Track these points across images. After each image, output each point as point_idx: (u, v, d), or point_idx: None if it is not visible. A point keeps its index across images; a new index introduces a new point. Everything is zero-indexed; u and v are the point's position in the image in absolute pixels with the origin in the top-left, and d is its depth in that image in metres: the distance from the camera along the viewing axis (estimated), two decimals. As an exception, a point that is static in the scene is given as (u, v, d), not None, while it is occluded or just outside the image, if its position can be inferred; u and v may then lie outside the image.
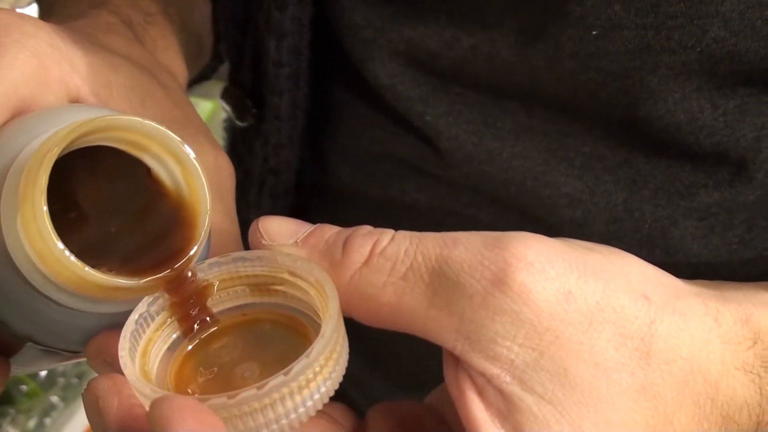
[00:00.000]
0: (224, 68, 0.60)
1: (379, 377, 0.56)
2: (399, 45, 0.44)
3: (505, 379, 0.28)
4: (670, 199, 0.40)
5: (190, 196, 0.31)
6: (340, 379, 0.28)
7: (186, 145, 0.31)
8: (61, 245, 0.27)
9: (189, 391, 0.29)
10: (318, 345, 0.27)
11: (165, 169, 0.31)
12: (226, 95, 0.55)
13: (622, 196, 0.41)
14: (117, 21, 0.43)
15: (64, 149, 0.28)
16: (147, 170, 0.31)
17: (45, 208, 0.27)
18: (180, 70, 0.47)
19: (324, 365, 0.27)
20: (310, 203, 0.55)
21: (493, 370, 0.28)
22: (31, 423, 1.08)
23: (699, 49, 0.35)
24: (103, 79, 0.35)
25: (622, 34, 0.36)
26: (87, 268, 0.28)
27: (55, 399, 1.11)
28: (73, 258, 0.27)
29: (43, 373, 1.12)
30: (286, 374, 0.26)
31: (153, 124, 0.30)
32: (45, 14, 0.49)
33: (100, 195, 0.32)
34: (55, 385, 1.11)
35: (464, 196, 0.45)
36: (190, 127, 0.38)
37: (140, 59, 0.40)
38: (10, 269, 0.29)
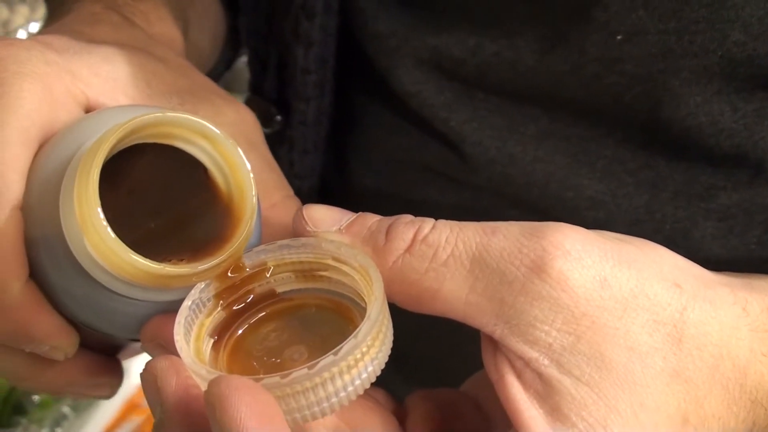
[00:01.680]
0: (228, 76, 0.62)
1: (403, 379, 0.57)
2: (423, 53, 0.45)
3: (544, 362, 0.29)
4: (690, 201, 0.41)
5: (236, 185, 0.32)
6: (386, 359, 0.29)
7: (222, 132, 0.32)
8: (114, 236, 0.28)
9: (241, 373, 0.30)
10: (365, 326, 0.28)
11: (212, 161, 0.32)
12: (249, 104, 0.56)
13: (644, 198, 0.42)
14: (101, 9, 0.44)
15: (115, 146, 0.29)
16: (198, 164, 0.33)
17: (98, 201, 0.28)
18: (176, 36, 0.48)
19: (371, 345, 0.28)
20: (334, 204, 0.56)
21: (532, 353, 0.29)
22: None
23: (720, 53, 0.37)
24: (104, 76, 0.36)
25: (645, 39, 0.38)
26: (140, 258, 0.29)
27: (66, 409, 1.11)
28: (126, 249, 0.29)
29: (55, 383, 1.12)
30: (335, 354, 0.27)
31: (179, 114, 0.31)
32: (49, 15, 0.49)
33: (156, 188, 0.33)
34: (66, 396, 1.12)
35: (487, 200, 0.46)
36: (199, 91, 0.39)
37: (131, 41, 0.41)
38: (72, 264, 0.31)
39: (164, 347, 0.32)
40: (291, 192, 0.40)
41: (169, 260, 0.31)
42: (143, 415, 1.18)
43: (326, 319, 0.33)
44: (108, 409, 1.15)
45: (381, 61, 0.48)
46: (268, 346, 0.31)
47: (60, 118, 0.34)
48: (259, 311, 0.33)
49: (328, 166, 0.55)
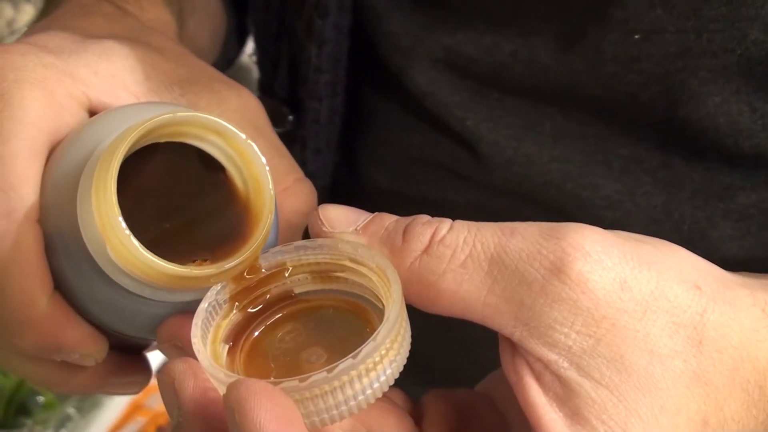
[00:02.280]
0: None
1: (417, 380, 0.57)
2: (438, 52, 0.45)
3: (563, 365, 0.28)
4: (708, 201, 0.41)
5: (253, 184, 0.32)
6: (404, 361, 0.29)
7: (243, 135, 0.31)
8: (130, 235, 0.28)
9: (258, 376, 0.30)
10: (384, 328, 0.28)
11: (228, 158, 0.32)
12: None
13: (661, 198, 0.42)
14: (92, 0, 0.43)
15: (135, 144, 0.29)
16: (213, 161, 0.32)
17: (118, 207, 0.28)
18: (169, 20, 0.47)
19: (390, 348, 0.28)
20: (345, 203, 0.56)
21: (551, 356, 0.29)
22: (48, 434, 1.08)
23: (739, 52, 0.36)
24: (103, 74, 0.36)
25: (663, 38, 0.37)
26: (158, 260, 0.29)
27: (71, 410, 1.11)
28: (145, 251, 0.29)
29: (59, 384, 1.12)
30: (354, 357, 0.27)
31: (192, 113, 0.31)
32: (43, 8, 0.48)
33: (172, 187, 0.33)
34: (71, 397, 1.11)
35: (503, 200, 0.46)
36: (200, 79, 0.38)
37: (125, 31, 0.40)
38: (92, 267, 0.31)
39: (181, 349, 0.32)
40: (301, 174, 0.40)
41: (192, 260, 0.31)
42: (147, 416, 1.18)
43: (343, 321, 0.32)
44: (113, 410, 1.15)
45: (395, 60, 0.47)
46: (285, 347, 0.31)
47: (65, 122, 0.34)
48: (276, 313, 0.33)
49: (340, 165, 0.54)
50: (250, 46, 0.78)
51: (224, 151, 0.32)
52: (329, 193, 0.55)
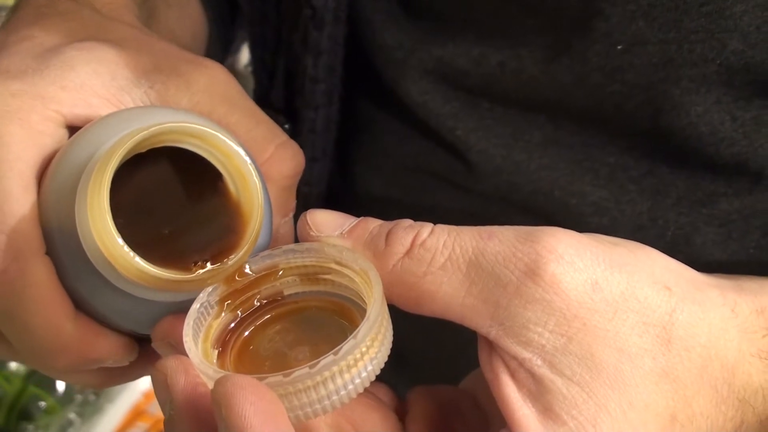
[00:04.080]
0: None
1: (404, 378, 0.58)
2: (429, 64, 0.46)
3: (536, 363, 0.30)
4: (692, 207, 0.42)
5: (242, 192, 0.33)
6: (385, 359, 0.30)
7: (236, 144, 0.32)
8: (124, 244, 0.30)
9: (248, 373, 0.31)
10: (364, 327, 0.29)
11: (221, 164, 0.33)
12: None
13: (647, 204, 0.42)
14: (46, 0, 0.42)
15: (131, 150, 0.30)
16: (212, 168, 0.33)
17: (108, 211, 0.29)
18: (127, 2, 0.45)
19: (370, 346, 0.29)
20: (339, 209, 0.56)
21: (525, 354, 0.30)
22: (51, 439, 1.09)
23: (719, 62, 0.37)
24: (71, 86, 0.36)
25: (646, 49, 0.38)
26: (147, 265, 0.30)
27: (72, 415, 1.11)
28: (134, 255, 0.30)
29: (61, 389, 1.12)
30: (335, 354, 0.28)
31: (190, 124, 0.31)
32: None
33: (169, 193, 0.34)
34: (72, 402, 1.12)
35: (494, 207, 0.47)
36: (164, 64, 0.38)
37: (82, 28, 0.39)
38: (86, 263, 0.32)
39: (174, 347, 0.33)
40: (284, 137, 0.39)
41: (193, 262, 0.32)
42: (149, 422, 1.18)
43: (329, 321, 0.34)
44: (114, 415, 1.16)
45: (388, 71, 0.49)
46: (274, 347, 0.33)
47: (47, 147, 0.35)
48: (265, 313, 0.34)
49: (335, 173, 0.55)
50: (245, 56, 0.79)
51: (210, 152, 0.33)
52: (324, 201, 0.56)
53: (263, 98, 0.57)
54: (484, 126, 0.45)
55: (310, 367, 0.28)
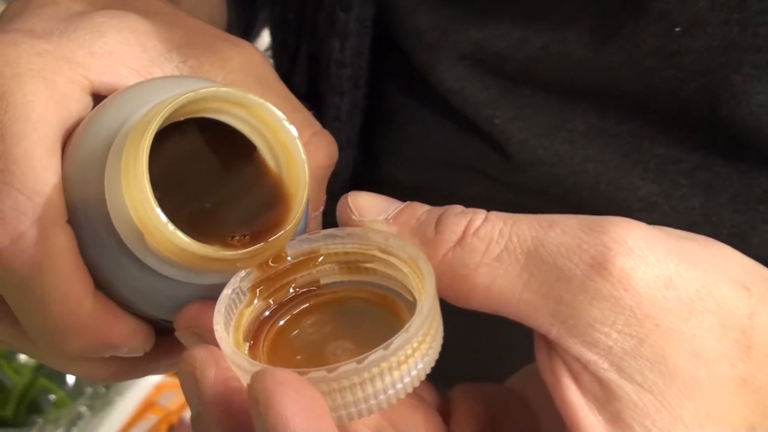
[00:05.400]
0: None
1: (439, 381, 0.55)
2: (465, 48, 0.44)
3: (603, 366, 0.27)
4: (749, 205, 0.39)
5: (287, 168, 0.31)
6: (436, 356, 0.28)
7: (284, 117, 0.30)
8: (161, 214, 0.28)
9: (282, 366, 0.29)
10: (416, 321, 0.26)
11: (260, 137, 0.31)
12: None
13: (699, 200, 0.40)
14: None
15: (167, 120, 0.28)
16: (248, 144, 0.31)
17: (146, 176, 0.27)
18: None
19: (422, 341, 0.27)
20: None
21: (590, 356, 0.27)
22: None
23: None
24: (99, 53, 0.34)
25: (705, 31, 0.36)
26: (184, 237, 0.28)
27: (82, 408, 1.10)
28: (171, 226, 0.28)
29: (71, 382, 1.11)
30: (385, 349, 0.26)
31: (240, 91, 0.30)
32: None
33: (204, 166, 0.32)
34: (82, 395, 1.11)
35: (532, 201, 0.44)
36: (197, 40, 0.36)
37: (106, 1, 0.38)
38: (112, 237, 0.30)
39: (200, 337, 0.31)
40: (318, 126, 0.38)
41: (230, 236, 0.30)
42: (160, 414, 1.18)
43: (371, 314, 0.31)
44: (124, 409, 1.15)
45: (419, 56, 0.46)
46: (310, 339, 0.30)
47: (72, 111, 0.33)
48: (301, 303, 0.32)
49: (360, 162, 0.53)
50: (265, 41, 0.77)
51: (252, 125, 0.31)
52: (348, 190, 0.53)
53: (284, 83, 0.55)
54: (524, 115, 0.43)
55: (358, 362, 0.25)
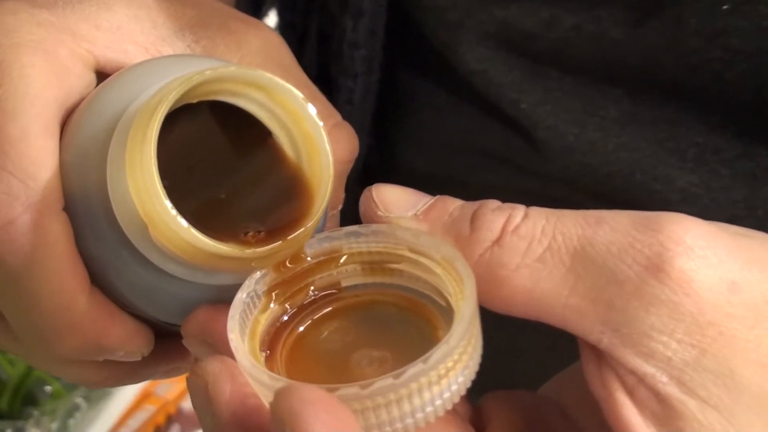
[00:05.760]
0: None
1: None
2: (489, 27, 0.41)
3: (662, 380, 0.25)
4: None
5: (310, 159, 0.28)
6: (477, 368, 0.25)
7: (309, 104, 0.27)
8: (170, 205, 0.25)
9: (303, 380, 0.26)
10: (457, 329, 0.24)
11: (283, 130, 0.29)
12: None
13: (742, 191, 0.37)
14: None
15: (175, 103, 0.26)
16: (262, 131, 0.29)
17: (154, 162, 0.25)
18: None
19: (463, 352, 0.24)
20: None
21: (647, 368, 0.25)
22: (55, 425, 1.06)
23: None
24: (106, 27, 0.32)
25: (756, 9, 0.33)
26: (195, 232, 0.25)
27: (79, 400, 1.09)
28: (182, 220, 0.25)
29: (67, 373, 1.10)
30: (424, 362, 0.23)
31: (267, 75, 0.27)
32: None
33: (214, 154, 0.29)
34: (79, 386, 1.09)
35: (559, 191, 0.42)
36: (212, 19, 0.34)
37: None
38: (112, 229, 0.28)
39: (211, 346, 0.28)
40: (339, 117, 0.36)
41: (243, 232, 0.28)
42: (157, 405, 1.16)
43: (399, 319, 0.29)
44: (121, 400, 1.13)
45: (439, 36, 0.43)
46: (332, 348, 0.28)
47: (72, 87, 0.30)
48: (321, 308, 0.29)
49: (373, 149, 0.51)
50: (271, 21, 0.75)
51: (272, 111, 0.28)
52: (361, 180, 0.51)
53: None
54: (553, 99, 0.40)
55: (395, 377, 0.23)
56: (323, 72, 0.49)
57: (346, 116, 0.48)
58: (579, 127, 0.40)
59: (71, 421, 1.07)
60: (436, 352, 0.23)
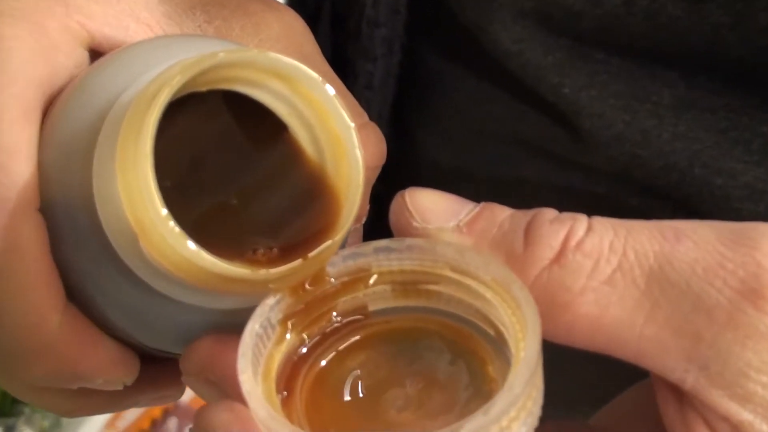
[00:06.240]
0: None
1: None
2: (526, 3, 0.38)
3: (761, 428, 0.21)
4: None
5: (336, 167, 0.24)
6: (540, 413, 0.22)
7: (336, 96, 0.24)
8: (166, 212, 0.22)
9: (329, 427, 0.23)
10: (522, 372, 0.20)
11: (305, 127, 0.25)
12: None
13: None
14: None
15: (179, 91, 0.22)
16: (276, 126, 0.25)
17: (150, 162, 0.21)
18: None
19: (527, 398, 0.21)
20: (397, 185, 0.49)
21: (744, 414, 0.21)
22: (47, 422, 1.04)
23: None
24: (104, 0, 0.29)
25: None
26: (196, 247, 0.22)
27: (72, 397, 1.07)
28: (179, 230, 0.22)
29: (60, 369, 1.08)
30: (485, 413, 0.20)
31: (295, 63, 0.23)
32: None
33: (219, 155, 0.25)
34: (73, 383, 1.08)
35: (603, 186, 0.39)
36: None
37: None
38: (96, 236, 0.24)
39: (215, 385, 0.25)
40: (366, 117, 0.33)
41: (251, 249, 0.24)
42: (151, 401, 1.15)
43: (440, 351, 0.25)
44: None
45: (468, 13, 0.40)
46: (361, 386, 0.24)
47: (60, 66, 0.27)
48: (346, 337, 0.25)
49: (392, 139, 0.47)
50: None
51: (292, 105, 0.25)
52: (379, 174, 0.47)
53: None
54: (599, 83, 0.37)
55: None
56: (338, 55, 0.46)
57: (366, 104, 0.44)
58: (630, 115, 0.36)
59: (63, 419, 1.05)
60: (499, 402, 0.20)
